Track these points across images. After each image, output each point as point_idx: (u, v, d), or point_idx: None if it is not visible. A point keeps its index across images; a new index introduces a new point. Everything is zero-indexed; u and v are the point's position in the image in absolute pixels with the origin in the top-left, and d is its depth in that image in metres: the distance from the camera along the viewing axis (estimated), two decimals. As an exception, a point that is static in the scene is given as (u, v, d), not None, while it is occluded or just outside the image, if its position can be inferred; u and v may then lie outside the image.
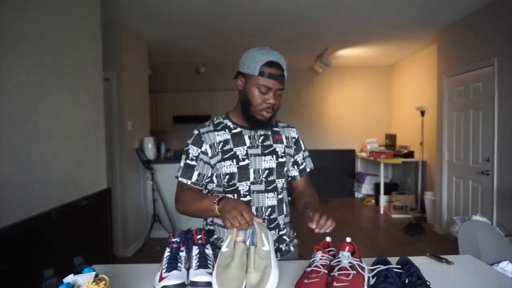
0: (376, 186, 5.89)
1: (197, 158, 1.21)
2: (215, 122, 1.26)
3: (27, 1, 1.79)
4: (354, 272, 0.88)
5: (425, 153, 5.05)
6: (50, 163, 1.92)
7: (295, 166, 1.33)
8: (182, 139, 5.73)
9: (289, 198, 1.36)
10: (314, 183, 1.38)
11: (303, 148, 1.35)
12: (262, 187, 1.20)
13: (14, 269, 1.12)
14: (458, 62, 3.93)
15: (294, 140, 1.33)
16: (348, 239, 1.01)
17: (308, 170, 1.37)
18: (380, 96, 6.62)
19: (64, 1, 2.15)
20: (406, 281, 0.86)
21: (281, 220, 1.25)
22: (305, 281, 0.89)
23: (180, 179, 1.22)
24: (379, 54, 5.62)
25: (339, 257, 0.94)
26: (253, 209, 1.20)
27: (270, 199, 1.21)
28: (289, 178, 1.35)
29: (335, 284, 0.86)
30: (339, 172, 6.45)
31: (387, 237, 4.23)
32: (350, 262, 0.91)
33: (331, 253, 1.01)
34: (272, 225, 1.22)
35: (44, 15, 1.93)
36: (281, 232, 1.25)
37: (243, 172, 1.19)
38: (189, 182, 1.21)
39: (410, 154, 5.38)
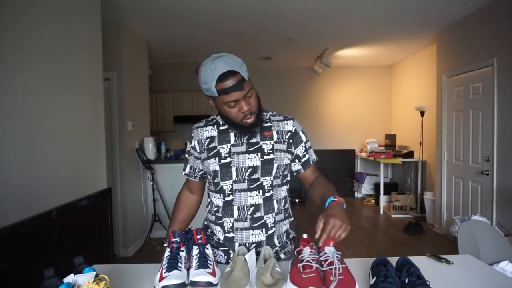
0: (376, 186, 5.89)
1: (189, 152, 1.31)
2: (208, 119, 1.29)
3: (27, 1, 1.79)
4: (344, 265, 0.93)
5: (425, 153, 5.05)
6: (50, 163, 1.92)
7: (296, 160, 1.26)
8: (182, 139, 5.73)
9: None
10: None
11: (304, 140, 1.26)
12: (244, 185, 1.18)
13: (14, 269, 1.12)
14: (458, 62, 3.93)
15: (289, 134, 1.23)
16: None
17: (311, 162, 1.28)
18: (380, 96, 6.62)
19: (65, 1, 2.15)
20: (406, 281, 0.86)
21: (270, 219, 1.19)
22: (304, 276, 0.90)
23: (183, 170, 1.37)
24: (379, 54, 5.62)
25: (326, 253, 0.97)
26: (235, 208, 1.18)
27: (253, 198, 1.18)
28: (295, 173, 1.30)
29: (331, 278, 0.89)
30: (339, 172, 6.45)
31: (387, 237, 4.23)
32: (337, 257, 0.95)
33: (313, 247, 1.03)
34: (256, 224, 1.18)
35: (44, 15, 1.94)
36: (269, 232, 1.19)
37: (225, 171, 1.19)
38: (183, 173, 1.35)
39: (410, 154, 5.38)
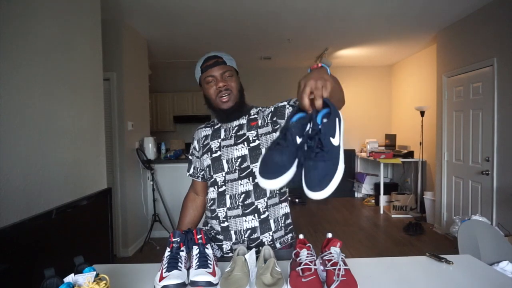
0: (376, 186, 5.89)
1: (192, 153, 1.41)
2: (209, 122, 1.40)
3: (27, 1, 1.79)
4: (347, 267, 0.93)
5: (425, 153, 5.05)
6: (50, 163, 1.92)
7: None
8: (182, 139, 5.74)
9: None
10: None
11: (286, 103, 1.22)
12: (235, 175, 1.23)
13: (14, 269, 1.12)
14: (458, 62, 3.93)
15: (270, 114, 1.26)
16: (330, 235, 1.08)
17: None
18: (380, 96, 6.62)
19: (65, 1, 2.16)
20: (305, 147, 0.76)
21: (261, 204, 1.21)
22: (303, 280, 0.90)
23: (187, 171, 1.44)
24: (379, 54, 5.63)
25: (331, 253, 0.98)
26: (227, 197, 1.23)
27: (243, 185, 1.22)
28: None
29: (334, 278, 0.89)
30: (339, 172, 6.44)
31: (386, 237, 4.23)
32: (341, 258, 0.95)
33: (310, 249, 1.03)
34: (248, 210, 1.21)
35: (44, 15, 1.94)
36: (262, 216, 1.21)
37: (216, 164, 1.26)
38: (188, 174, 1.41)
39: (410, 154, 5.38)
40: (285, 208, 1.27)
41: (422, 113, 4.87)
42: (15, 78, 1.68)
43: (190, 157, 1.41)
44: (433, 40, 4.66)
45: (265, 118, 1.27)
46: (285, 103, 1.24)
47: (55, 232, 1.39)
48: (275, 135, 1.23)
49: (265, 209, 1.22)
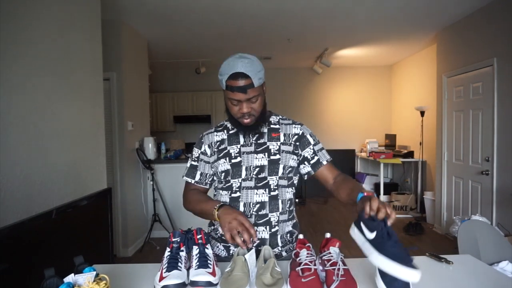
0: (376, 186, 5.89)
1: (198, 158, 1.32)
2: (217, 125, 1.35)
3: (27, 2, 1.79)
4: (346, 267, 0.93)
5: (425, 153, 5.05)
6: (50, 163, 1.92)
7: (306, 163, 1.28)
8: (182, 139, 5.74)
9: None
10: (314, 182, 1.34)
11: (312, 143, 1.29)
12: (252, 183, 1.22)
13: (14, 269, 1.12)
14: (458, 62, 3.93)
15: (296, 136, 1.28)
16: (328, 235, 1.08)
17: (324, 162, 1.28)
18: (380, 96, 6.62)
19: (65, 1, 2.16)
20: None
21: (274, 217, 1.22)
22: (303, 280, 0.90)
23: (185, 178, 1.34)
24: (379, 54, 5.62)
25: (330, 253, 0.97)
26: (241, 204, 1.21)
27: (259, 195, 1.21)
28: (305, 176, 1.31)
29: (334, 278, 0.89)
30: (339, 172, 6.44)
31: (387, 237, 4.23)
32: (341, 258, 0.95)
33: (310, 249, 1.03)
34: (261, 221, 1.21)
35: (45, 15, 1.94)
36: (273, 230, 1.21)
37: (235, 169, 1.23)
38: (193, 181, 1.32)
39: (410, 154, 5.38)
40: (289, 226, 1.27)
41: (422, 113, 4.87)
42: (15, 78, 1.68)
43: (194, 163, 1.32)
44: (433, 40, 4.66)
45: (290, 137, 1.28)
46: (313, 141, 1.29)
47: (55, 232, 1.39)
48: (293, 157, 1.26)
49: (276, 224, 1.22)
